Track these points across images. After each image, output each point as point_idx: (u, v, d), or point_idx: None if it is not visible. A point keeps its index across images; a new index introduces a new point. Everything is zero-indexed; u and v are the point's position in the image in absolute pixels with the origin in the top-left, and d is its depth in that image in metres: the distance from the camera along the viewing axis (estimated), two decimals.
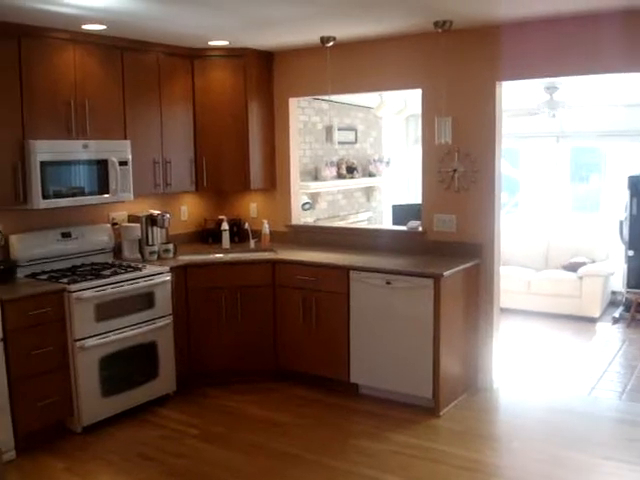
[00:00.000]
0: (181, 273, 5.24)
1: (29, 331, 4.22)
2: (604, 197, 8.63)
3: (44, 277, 4.66)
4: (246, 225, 6.03)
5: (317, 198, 7.87)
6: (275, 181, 6.13)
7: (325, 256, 5.38)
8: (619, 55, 4.49)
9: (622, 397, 5.21)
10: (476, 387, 5.29)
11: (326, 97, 5.68)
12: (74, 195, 4.75)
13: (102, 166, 4.90)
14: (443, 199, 5.30)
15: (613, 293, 7.96)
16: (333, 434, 4.62)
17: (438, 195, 5.32)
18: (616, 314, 7.45)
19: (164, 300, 5.04)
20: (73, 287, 4.45)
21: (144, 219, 5.43)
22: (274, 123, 6.07)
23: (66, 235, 5.02)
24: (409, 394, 4.94)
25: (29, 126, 4.51)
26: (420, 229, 5.47)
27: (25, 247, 4.75)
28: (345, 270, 5.06)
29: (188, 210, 6.19)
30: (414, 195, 8.86)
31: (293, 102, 6.05)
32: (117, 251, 5.40)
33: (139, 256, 5.38)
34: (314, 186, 7.57)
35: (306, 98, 7.05)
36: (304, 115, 7.44)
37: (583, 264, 7.72)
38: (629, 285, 7.37)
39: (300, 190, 6.47)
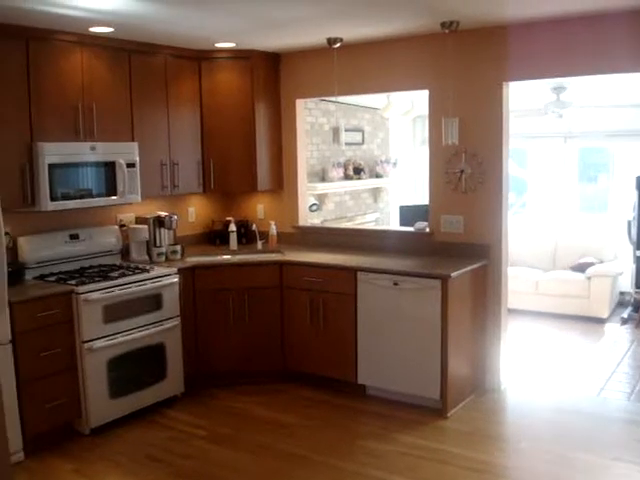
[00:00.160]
0: (189, 274, 5.25)
1: (37, 333, 4.23)
2: (612, 197, 8.60)
3: (52, 279, 4.68)
4: (253, 226, 6.04)
5: (324, 199, 7.87)
6: (282, 182, 6.14)
7: (332, 257, 5.38)
8: (627, 55, 4.47)
9: (631, 398, 5.19)
10: (484, 388, 5.28)
11: (333, 98, 5.67)
12: (82, 197, 4.77)
13: (110, 168, 4.91)
14: (450, 200, 5.30)
15: (621, 293, 7.93)
16: (340, 435, 4.61)
17: (445, 196, 5.32)
18: (625, 314, 7.43)
19: (172, 302, 5.05)
20: (81, 289, 4.46)
21: (152, 221, 5.44)
22: (281, 124, 6.08)
23: (74, 237, 5.03)
24: (417, 395, 4.93)
25: (37, 128, 4.53)
26: (427, 230, 5.46)
27: (33, 249, 4.76)
28: (352, 271, 5.06)
29: (195, 212, 6.21)
30: (421, 196, 8.85)
31: (300, 103, 6.06)
32: (125, 253, 5.42)
33: (147, 258, 5.39)
34: (321, 187, 7.57)
35: (313, 99, 7.05)
36: (311, 116, 7.45)
37: (591, 264, 7.69)
38: (637, 285, 7.36)
39: (307, 191, 6.47)
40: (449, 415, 4.82)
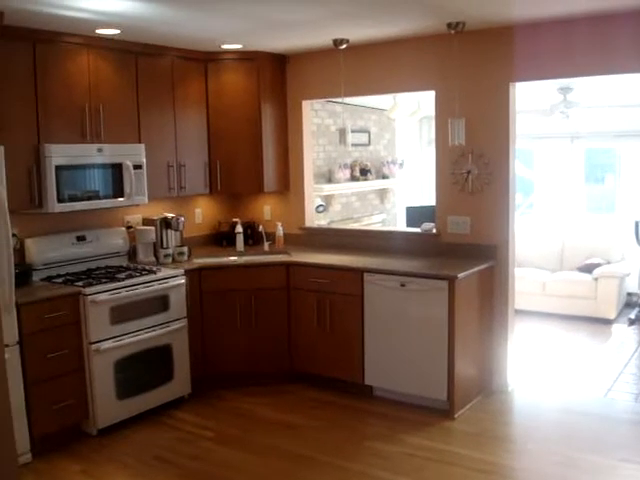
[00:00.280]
0: (195, 276, 5.25)
1: (45, 334, 4.24)
2: (619, 198, 8.58)
3: (59, 280, 4.69)
4: (260, 228, 6.05)
5: (331, 200, 7.87)
6: (289, 184, 6.14)
7: (339, 258, 5.38)
8: (633, 55, 4.46)
9: (638, 399, 5.17)
10: (491, 389, 5.27)
11: (339, 99, 5.67)
12: (89, 199, 4.78)
13: (117, 170, 4.92)
14: (457, 201, 5.29)
15: (629, 294, 7.91)
16: (347, 436, 4.61)
17: (452, 197, 5.31)
18: (632, 315, 7.39)
19: (179, 303, 5.05)
20: (88, 290, 4.47)
21: (159, 222, 5.46)
22: (287, 126, 6.08)
23: (81, 238, 5.05)
24: (423, 396, 4.93)
25: (44, 130, 4.54)
26: (434, 231, 5.46)
27: (40, 251, 4.78)
28: (359, 272, 5.06)
29: (202, 213, 6.22)
30: (428, 197, 8.85)
31: (306, 105, 6.07)
32: (132, 254, 5.43)
33: (154, 259, 5.40)
34: (328, 188, 7.58)
35: (319, 101, 7.05)
36: (317, 117, 7.46)
37: (598, 265, 7.67)
38: None
39: (314, 192, 6.47)
40: (456, 416, 4.81)
